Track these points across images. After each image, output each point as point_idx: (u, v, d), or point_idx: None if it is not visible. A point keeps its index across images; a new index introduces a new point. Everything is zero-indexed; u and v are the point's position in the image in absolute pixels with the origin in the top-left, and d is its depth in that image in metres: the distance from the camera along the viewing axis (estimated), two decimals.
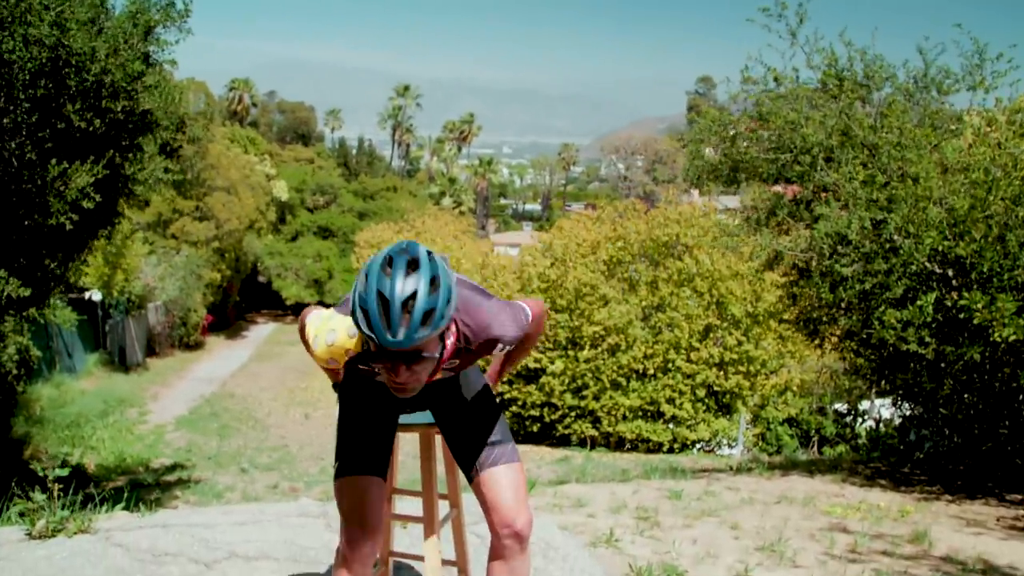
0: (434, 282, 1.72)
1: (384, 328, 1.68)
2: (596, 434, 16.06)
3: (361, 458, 2.20)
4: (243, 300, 39.08)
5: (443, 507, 2.44)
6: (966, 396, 6.09)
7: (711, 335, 16.27)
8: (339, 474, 2.21)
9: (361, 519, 2.12)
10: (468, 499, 2.57)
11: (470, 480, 2.25)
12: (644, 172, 67.63)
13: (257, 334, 36.14)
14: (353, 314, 1.75)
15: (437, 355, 1.82)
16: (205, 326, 30.94)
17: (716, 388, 16.01)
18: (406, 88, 64.47)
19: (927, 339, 5.50)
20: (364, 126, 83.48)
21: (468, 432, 2.27)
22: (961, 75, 6.23)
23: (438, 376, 2.07)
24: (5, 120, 4.80)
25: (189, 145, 8.31)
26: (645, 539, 4.05)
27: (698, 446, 15.94)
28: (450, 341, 1.93)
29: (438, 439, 2.43)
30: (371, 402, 2.28)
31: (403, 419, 2.38)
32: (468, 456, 2.25)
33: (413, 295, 1.69)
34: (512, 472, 2.21)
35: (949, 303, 5.68)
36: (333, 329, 2.03)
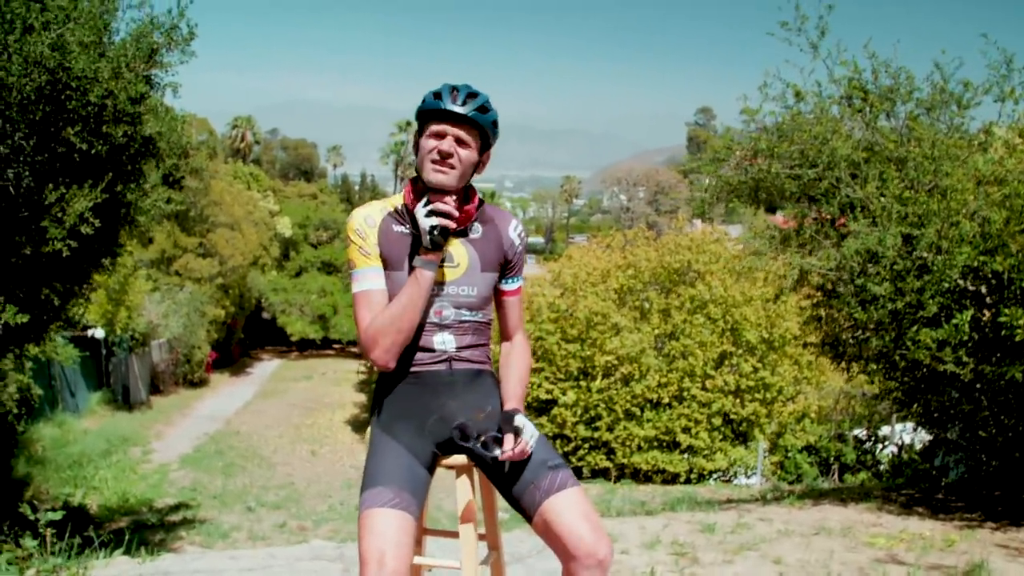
0: (488, 101, 2.20)
1: (451, 101, 2.14)
2: (611, 466, 15.71)
3: (391, 491, 1.97)
4: (247, 337, 38.91)
5: (480, 549, 2.18)
6: (1004, 418, 5.83)
7: (726, 362, 15.97)
8: (363, 507, 1.98)
9: (381, 561, 1.87)
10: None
11: (527, 513, 2.01)
12: (647, 203, 67.76)
13: (262, 371, 35.92)
14: (420, 107, 2.18)
15: (476, 157, 2.21)
16: (209, 363, 30.76)
17: (732, 416, 15.67)
18: (408, 124, 64.80)
19: (964, 359, 5.26)
20: (366, 162, 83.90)
21: (520, 460, 2.04)
22: (983, 87, 6.03)
23: (463, 227, 2.23)
24: (1, 147, 4.62)
25: (192, 177, 8.17)
26: None
27: (715, 476, 15.58)
28: (477, 198, 2.29)
29: (477, 473, 2.17)
30: (408, 432, 2.08)
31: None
32: (522, 485, 2.01)
33: (473, 94, 2.17)
34: (581, 496, 2.00)
35: (985, 321, 5.44)
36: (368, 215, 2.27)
